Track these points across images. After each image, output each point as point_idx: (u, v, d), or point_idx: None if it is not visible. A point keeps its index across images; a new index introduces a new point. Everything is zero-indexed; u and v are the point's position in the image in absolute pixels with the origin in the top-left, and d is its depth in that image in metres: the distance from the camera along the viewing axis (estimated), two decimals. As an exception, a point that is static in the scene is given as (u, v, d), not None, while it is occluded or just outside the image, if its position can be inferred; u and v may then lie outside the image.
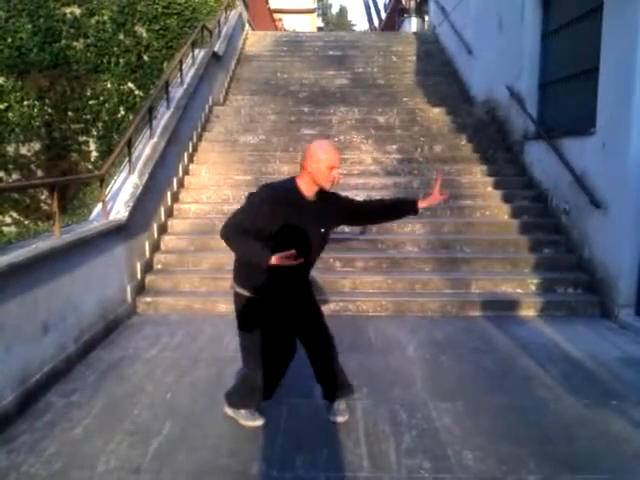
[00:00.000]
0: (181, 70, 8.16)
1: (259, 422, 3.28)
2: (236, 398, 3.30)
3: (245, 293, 3.04)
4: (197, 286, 5.78)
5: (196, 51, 9.12)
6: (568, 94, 6.61)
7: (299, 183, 2.94)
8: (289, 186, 2.95)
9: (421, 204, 3.24)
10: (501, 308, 5.44)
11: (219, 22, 10.83)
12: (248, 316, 3.09)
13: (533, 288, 5.69)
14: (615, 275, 5.28)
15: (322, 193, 2.99)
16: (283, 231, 2.85)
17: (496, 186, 7.35)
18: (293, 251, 2.69)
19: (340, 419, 3.30)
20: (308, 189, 2.94)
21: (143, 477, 2.78)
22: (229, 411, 3.33)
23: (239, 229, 2.84)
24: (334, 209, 3.11)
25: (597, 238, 5.61)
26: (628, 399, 3.65)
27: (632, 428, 3.28)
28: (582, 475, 2.81)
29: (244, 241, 2.84)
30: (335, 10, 67.23)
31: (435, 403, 3.57)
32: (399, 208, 3.39)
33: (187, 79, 8.24)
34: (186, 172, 7.68)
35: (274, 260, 2.71)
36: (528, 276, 5.82)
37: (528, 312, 5.42)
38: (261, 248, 2.78)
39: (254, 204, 2.88)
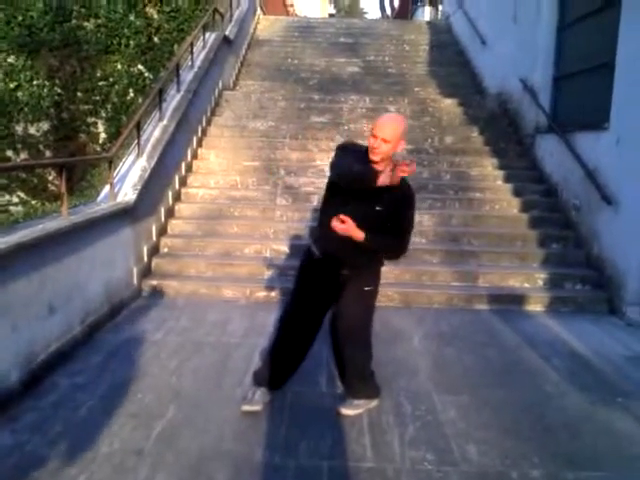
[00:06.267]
0: (192, 53, 8.07)
1: (253, 408, 3.25)
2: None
3: None
4: (203, 271, 5.77)
5: (207, 34, 9.02)
6: (582, 88, 6.54)
7: None
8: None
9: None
10: (508, 302, 5.41)
11: (231, 5, 10.72)
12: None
13: (541, 283, 5.66)
14: (624, 272, 5.24)
15: (401, 185, 2.92)
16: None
17: (506, 179, 7.29)
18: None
19: (345, 411, 3.26)
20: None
21: (146, 460, 2.78)
22: None
23: None
24: (388, 203, 2.93)
25: (607, 235, 5.56)
26: (633, 397, 3.63)
27: (637, 426, 3.27)
28: (585, 472, 2.80)
29: None
30: (347, -3, 66.64)
31: (440, 395, 3.55)
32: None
33: (198, 62, 8.16)
34: (195, 156, 7.64)
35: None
36: (536, 271, 5.78)
37: (535, 307, 5.39)
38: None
39: None
